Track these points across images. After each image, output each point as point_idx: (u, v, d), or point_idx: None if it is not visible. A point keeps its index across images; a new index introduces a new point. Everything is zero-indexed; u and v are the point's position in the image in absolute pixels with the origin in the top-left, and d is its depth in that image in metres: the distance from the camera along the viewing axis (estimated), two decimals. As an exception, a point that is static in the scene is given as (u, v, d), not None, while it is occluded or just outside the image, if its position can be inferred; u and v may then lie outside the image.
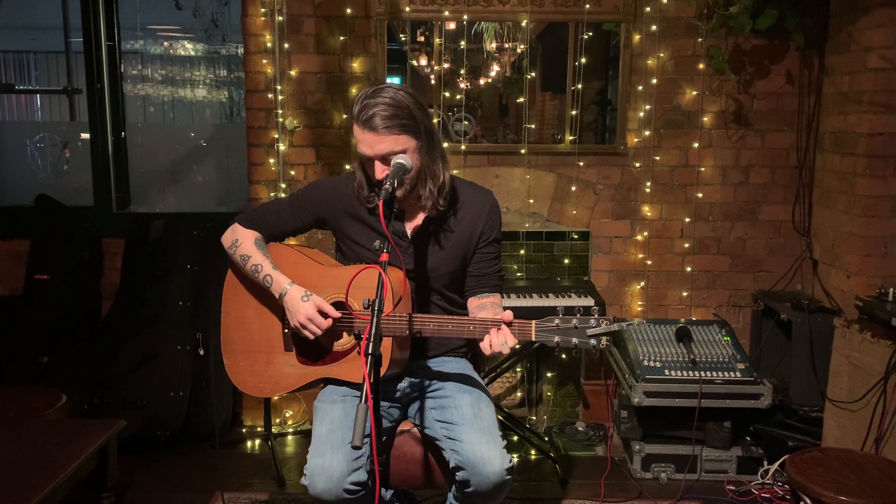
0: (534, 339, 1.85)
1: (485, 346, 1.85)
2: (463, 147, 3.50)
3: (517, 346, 1.94)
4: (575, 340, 1.81)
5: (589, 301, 3.17)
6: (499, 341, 1.83)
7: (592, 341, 1.80)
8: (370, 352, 1.59)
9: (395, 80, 3.60)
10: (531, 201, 3.56)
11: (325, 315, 1.96)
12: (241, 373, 2.13)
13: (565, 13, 3.45)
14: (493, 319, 1.87)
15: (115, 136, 3.84)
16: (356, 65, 3.47)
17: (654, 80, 3.47)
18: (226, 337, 2.16)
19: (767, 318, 3.47)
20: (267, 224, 2.13)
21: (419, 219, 2.09)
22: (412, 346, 2.07)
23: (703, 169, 3.55)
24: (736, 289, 3.64)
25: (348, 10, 3.41)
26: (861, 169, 3.10)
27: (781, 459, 2.94)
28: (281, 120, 3.47)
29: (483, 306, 2.10)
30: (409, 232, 2.09)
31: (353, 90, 3.48)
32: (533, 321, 1.85)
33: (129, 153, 3.92)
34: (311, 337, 1.97)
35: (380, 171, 1.92)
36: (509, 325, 1.84)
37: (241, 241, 2.09)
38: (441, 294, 2.12)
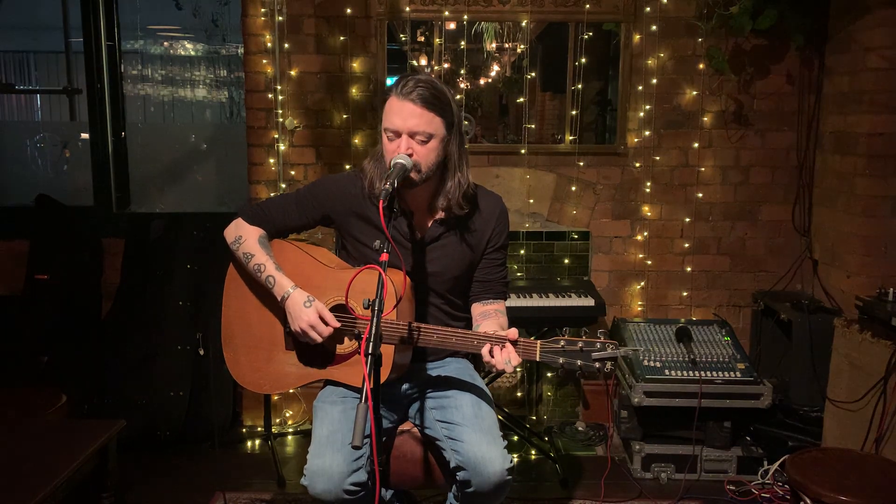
0: (538, 359, 1.82)
1: (487, 361, 1.84)
2: (467, 146, 3.49)
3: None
4: (579, 363, 1.80)
5: (589, 301, 3.17)
6: (502, 360, 1.81)
7: (597, 364, 1.79)
8: (370, 352, 1.59)
9: (395, 80, 3.60)
10: (531, 201, 3.56)
11: (327, 323, 1.95)
12: (241, 367, 2.13)
13: (565, 13, 3.45)
14: (499, 336, 1.84)
15: (115, 136, 3.84)
16: (356, 65, 3.47)
17: (654, 80, 3.47)
18: (226, 331, 2.15)
19: (767, 318, 3.47)
20: (271, 221, 2.11)
21: (427, 221, 2.07)
22: (413, 349, 2.06)
23: (703, 169, 3.55)
24: (736, 289, 3.64)
25: (348, 10, 3.41)
26: (861, 169, 3.10)
27: (781, 459, 2.94)
28: (281, 120, 3.47)
29: (486, 314, 2.08)
30: (416, 234, 2.07)
31: (353, 90, 3.48)
32: (538, 341, 1.83)
33: (129, 153, 3.91)
34: (313, 343, 1.97)
35: (404, 146, 1.89)
36: (514, 343, 1.82)
37: (245, 237, 2.08)
38: (444, 298, 2.10)
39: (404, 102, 1.88)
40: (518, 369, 3.61)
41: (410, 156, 1.89)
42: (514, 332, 1.83)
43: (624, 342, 3.25)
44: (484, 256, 2.10)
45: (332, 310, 1.99)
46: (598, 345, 1.80)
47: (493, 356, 1.82)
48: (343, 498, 1.82)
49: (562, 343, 1.81)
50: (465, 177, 2.02)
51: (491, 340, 1.84)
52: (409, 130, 1.89)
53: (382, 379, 1.80)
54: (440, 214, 2.06)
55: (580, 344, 1.80)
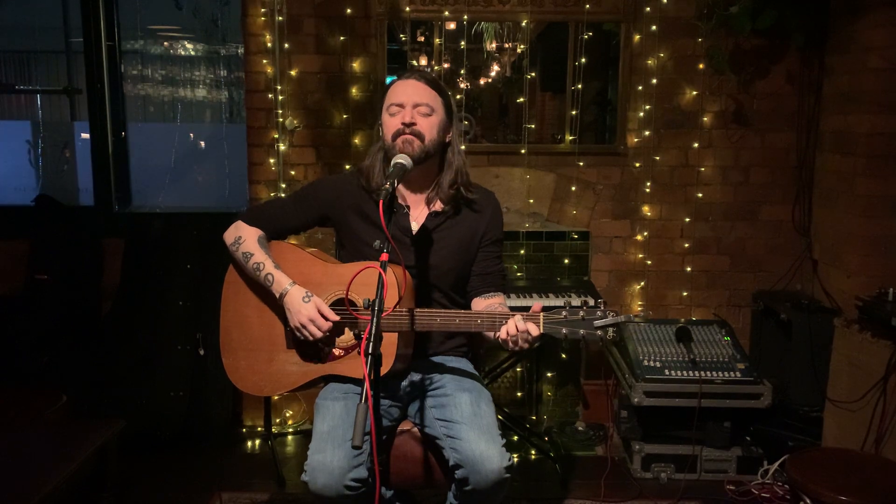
0: (542, 330, 1.84)
1: (504, 339, 1.85)
2: (463, 147, 3.49)
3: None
4: (582, 332, 1.82)
5: (589, 301, 3.17)
6: (521, 328, 1.81)
7: (599, 332, 1.82)
8: (370, 352, 1.59)
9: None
10: (531, 201, 3.56)
11: (325, 317, 1.96)
12: (241, 371, 2.13)
13: (565, 13, 3.45)
14: (501, 313, 1.88)
15: (115, 136, 3.84)
16: (356, 65, 3.47)
17: (654, 80, 3.47)
18: (225, 336, 2.15)
19: (767, 318, 3.47)
20: (270, 221, 2.14)
21: (423, 214, 2.10)
22: (414, 344, 2.07)
23: (703, 169, 3.55)
24: (736, 289, 3.64)
25: (348, 10, 3.41)
26: (861, 169, 3.10)
27: (781, 459, 2.94)
28: (281, 120, 3.47)
29: (493, 308, 2.08)
30: (413, 228, 2.09)
31: (353, 90, 3.48)
32: (541, 313, 1.85)
33: (129, 153, 3.91)
34: (312, 338, 1.97)
35: (408, 116, 1.98)
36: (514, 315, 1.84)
37: (244, 238, 2.10)
38: (443, 292, 2.12)
39: (408, 80, 2.04)
40: (518, 369, 3.62)
41: (413, 124, 1.98)
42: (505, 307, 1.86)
43: (624, 342, 3.25)
44: (480, 249, 2.14)
45: (332, 304, 2.00)
46: (599, 312, 1.83)
47: (509, 334, 1.83)
48: (343, 493, 1.82)
49: (564, 313, 1.84)
50: (465, 165, 2.14)
51: (494, 317, 1.87)
52: (413, 102, 2.00)
53: (385, 369, 1.81)
54: (436, 206, 2.09)
55: (582, 313, 1.83)
